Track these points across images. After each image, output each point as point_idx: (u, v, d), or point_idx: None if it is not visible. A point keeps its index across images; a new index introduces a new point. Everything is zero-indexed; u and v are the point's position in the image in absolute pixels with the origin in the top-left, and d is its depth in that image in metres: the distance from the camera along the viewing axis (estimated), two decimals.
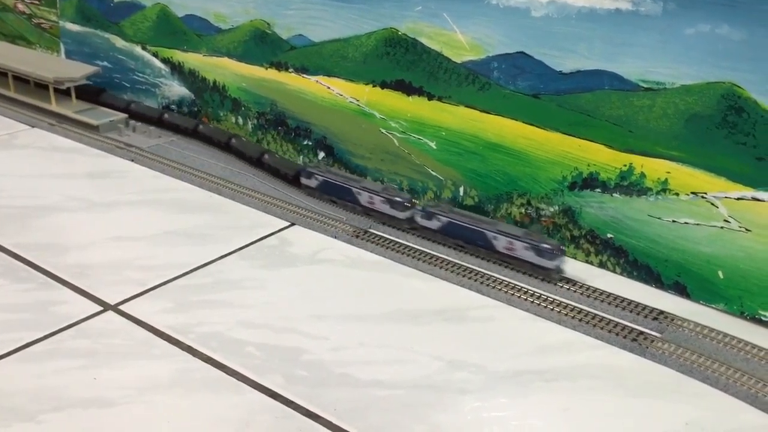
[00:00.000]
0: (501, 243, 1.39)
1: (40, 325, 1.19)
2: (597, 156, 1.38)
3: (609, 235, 1.41)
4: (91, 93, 2.17)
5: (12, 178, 1.75)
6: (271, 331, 1.20)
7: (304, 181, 1.67)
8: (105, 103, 2.15)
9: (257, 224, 1.57)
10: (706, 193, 1.28)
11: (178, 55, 2.06)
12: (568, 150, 1.41)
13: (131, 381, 1.07)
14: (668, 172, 1.31)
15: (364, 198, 1.56)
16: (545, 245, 1.34)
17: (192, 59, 2.03)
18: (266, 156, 1.79)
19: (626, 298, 1.30)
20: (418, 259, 1.43)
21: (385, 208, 1.54)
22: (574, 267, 1.40)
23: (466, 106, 1.53)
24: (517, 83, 1.45)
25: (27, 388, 1.05)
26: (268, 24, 1.82)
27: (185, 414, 1.02)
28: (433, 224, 1.48)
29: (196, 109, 2.06)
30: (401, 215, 1.52)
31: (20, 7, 2.44)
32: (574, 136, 1.40)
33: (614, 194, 1.38)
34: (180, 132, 2.01)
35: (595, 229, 1.42)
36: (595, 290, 1.33)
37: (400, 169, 1.67)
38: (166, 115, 2.04)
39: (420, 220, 1.50)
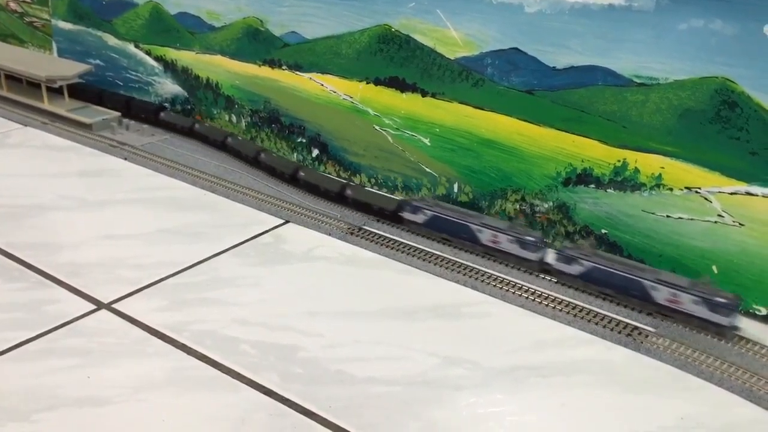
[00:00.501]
0: (662, 294, 1.22)
1: (34, 325, 1.19)
2: (591, 152, 1.38)
3: (603, 231, 1.41)
4: (149, 111, 2.06)
5: (4, 177, 1.74)
6: (266, 329, 1.20)
7: (407, 216, 1.51)
8: (164, 121, 2.04)
9: (251, 222, 1.57)
10: (699, 188, 1.28)
11: (171, 53, 2.05)
12: (562, 146, 1.41)
13: (126, 380, 1.07)
14: (662, 168, 1.31)
15: (485, 236, 1.40)
16: (719, 299, 1.18)
17: (185, 57, 2.02)
18: (349, 190, 1.63)
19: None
20: (413, 256, 1.43)
21: (514, 249, 1.37)
22: None
23: (460, 103, 1.53)
24: (511, 79, 1.45)
25: (21, 388, 1.05)
26: (261, 21, 1.82)
27: (180, 412, 1.01)
28: (574, 269, 1.31)
29: (189, 107, 2.06)
30: (533, 257, 1.36)
31: (12, 5, 2.42)
32: (567, 132, 1.40)
33: (608, 190, 1.38)
34: (241, 159, 1.85)
35: (589, 224, 1.42)
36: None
37: (394, 166, 1.67)
38: (229, 139, 1.89)
39: (556, 264, 1.33)
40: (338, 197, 1.64)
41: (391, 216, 1.55)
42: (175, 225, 1.54)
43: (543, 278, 1.35)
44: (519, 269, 1.38)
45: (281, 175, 1.75)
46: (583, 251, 1.32)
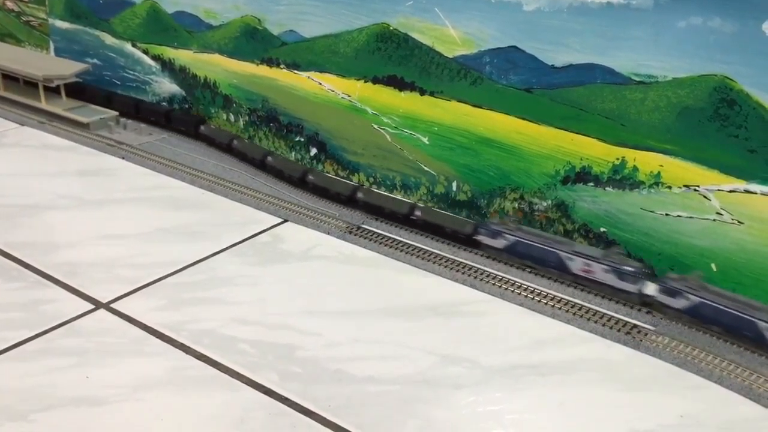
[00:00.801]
0: None
1: (32, 324, 1.18)
2: (590, 150, 1.38)
3: (602, 229, 1.41)
4: (189, 124, 1.98)
5: (2, 176, 1.74)
6: (264, 328, 1.20)
7: (485, 240, 1.41)
8: (203, 135, 1.95)
9: (250, 221, 1.56)
10: (698, 186, 1.28)
11: (169, 52, 2.05)
12: (560, 144, 1.41)
13: (124, 379, 1.07)
14: (661, 166, 1.31)
15: (576, 265, 1.31)
16: None
17: (182, 56, 2.02)
18: (418, 212, 1.52)
19: None
20: (412, 255, 1.43)
21: (610, 279, 1.28)
22: None
23: (459, 101, 1.52)
24: (510, 77, 1.44)
25: (18, 388, 1.04)
26: (258, 20, 1.81)
27: (179, 412, 1.01)
28: (679, 303, 1.21)
29: (187, 106, 2.05)
30: (631, 288, 1.27)
31: (9, 4, 2.42)
32: (566, 131, 1.40)
33: (607, 188, 1.38)
34: (284, 178, 1.74)
35: (588, 223, 1.42)
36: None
37: (392, 165, 1.66)
38: (269, 158, 1.78)
39: (660, 297, 1.24)
40: (405, 219, 1.54)
41: (466, 240, 1.45)
42: (173, 224, 1.53)
43: (626, 307, 1.28)
44: (616, 301, 1.29)
45: (336, 195, 1.65)
46: (689, 284, 1.23)
